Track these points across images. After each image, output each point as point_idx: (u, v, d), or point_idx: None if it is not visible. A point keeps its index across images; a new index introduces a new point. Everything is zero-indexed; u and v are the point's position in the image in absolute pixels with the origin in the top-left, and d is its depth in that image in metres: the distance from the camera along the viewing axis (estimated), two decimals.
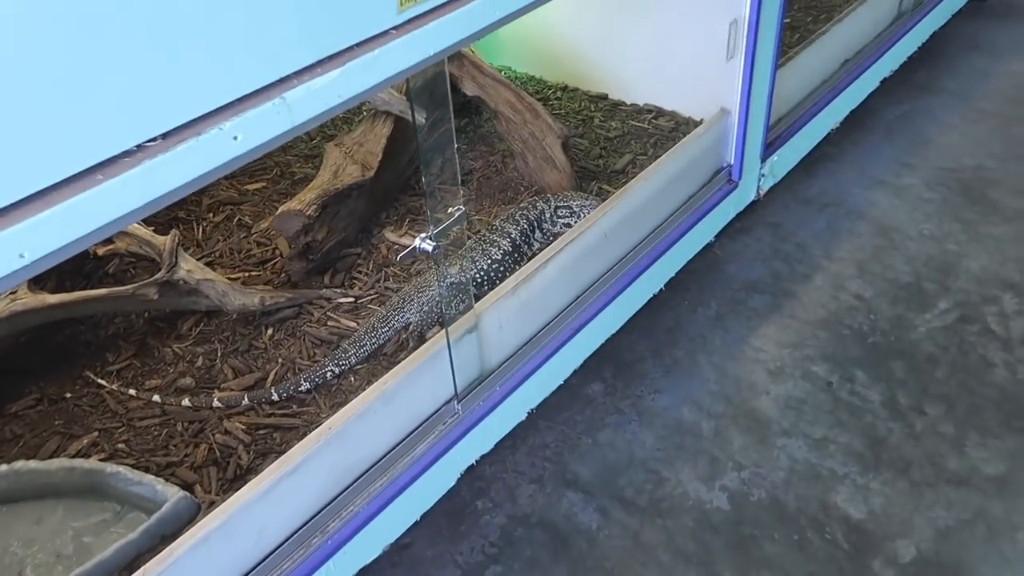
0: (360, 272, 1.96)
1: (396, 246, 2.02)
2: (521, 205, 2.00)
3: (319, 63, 1.16)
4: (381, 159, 1.99)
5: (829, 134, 2.81)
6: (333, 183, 1.88)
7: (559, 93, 2.54)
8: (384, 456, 1.61)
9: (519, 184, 2.18)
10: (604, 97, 2.50)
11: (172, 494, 1.43)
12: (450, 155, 1.49)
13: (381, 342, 1.78)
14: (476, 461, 1.83)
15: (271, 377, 1.75)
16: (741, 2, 2.02)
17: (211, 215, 2.08)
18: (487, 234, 1.94)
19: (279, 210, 1.81)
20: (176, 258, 1.69)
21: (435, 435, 1.69)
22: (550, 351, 1.88)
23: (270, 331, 1.83)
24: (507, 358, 1.81)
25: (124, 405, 1.69)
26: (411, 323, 1.82)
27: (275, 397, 1.69)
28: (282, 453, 1.58)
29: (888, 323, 2.27)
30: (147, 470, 1.54)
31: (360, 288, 1.92)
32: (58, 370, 1.76)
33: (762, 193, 2.49)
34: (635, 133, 2.34)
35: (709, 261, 2.49)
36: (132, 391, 1.71)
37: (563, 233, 2.00)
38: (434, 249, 1.47)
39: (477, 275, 1.88)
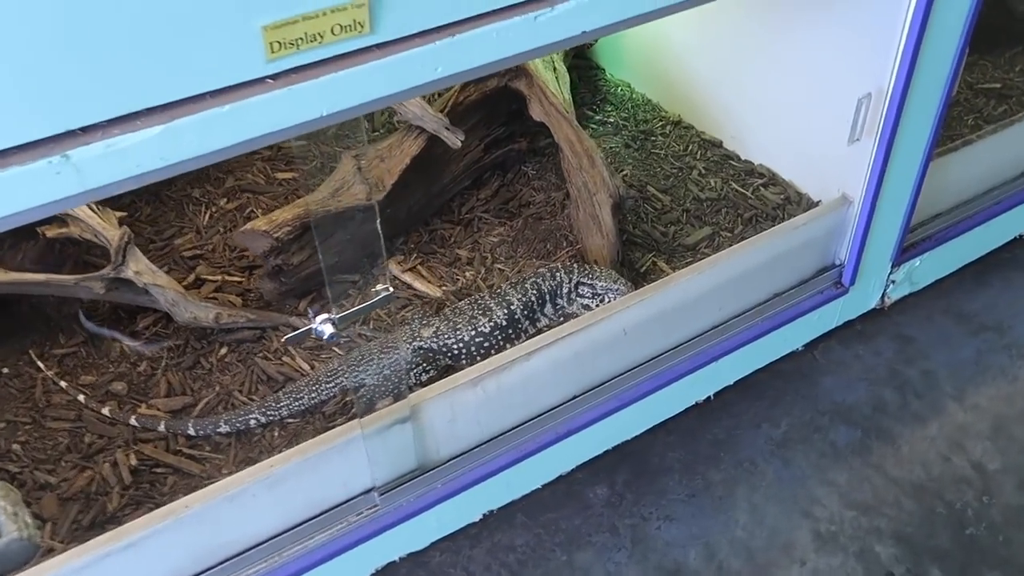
0: (346, 305, 1.71)
1: (397, 282, 1.76)
2: (539, 270, 1.66)
3: (136, 115, 0.90)
4: (398, 180, 1.71)
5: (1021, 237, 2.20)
6: (326, 203, 1.63)
7: (669, 128, 2.12)
8: (267, 541, 1.39)
9: (564, 237, 1.83)
10: (717, 144, 2.05)
11: (7, 532, 1.29)
12: (372, 222, 1.19)
13: (322, 399, 1.55)
14: (400, 558, 1.58)
15: (200, 406, 1.57)
16: (882, 73, 1.52)
17: (225, 200, 1.91)
18: (483, 298, 1.62)
19: (245, 226, 1.60)
20: (124, 257, 1.53)
21: (343, 526, 1.44)
22: (524, 453, 1.57)
23: (224, 350, 1.65)
24: (460, 453, 1.52)
25: (48, 397, 1.58)
26: (364, 385, 1.56)
27: (191, 432, 1.52)
28: (160, 506, 1.41)
29: (1003, 515, 1.73)
30: (22, 485, 1.42)
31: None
32: (11, 339, 1.68)
33: (888, 303, 1.97)
34: (732, 200, 1.90)
35: (803, 365, 2.02)
36: (63, 383, 1.59)
37: (578, 315, 1.65)
38: (332, 336, 1.20)
39: (455, 346, 1.58)
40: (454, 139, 1.70)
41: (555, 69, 1.88)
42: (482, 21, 1.05)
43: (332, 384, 1.54)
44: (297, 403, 1.53)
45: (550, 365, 1.52)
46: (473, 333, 1.57)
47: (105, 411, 1.55)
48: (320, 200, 1.64)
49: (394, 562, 1.57)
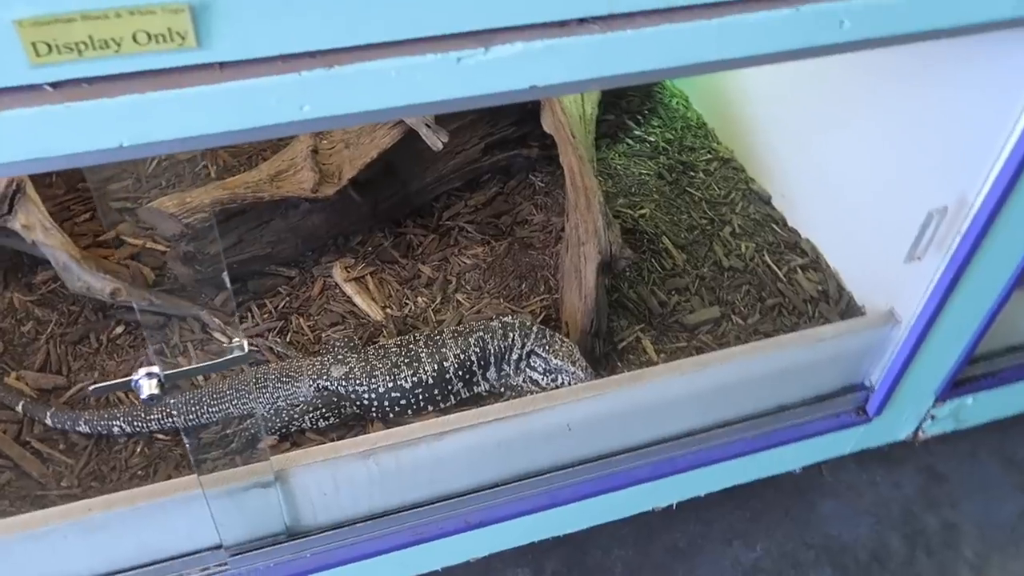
0: (269, 303, 1.47)
1: (335, 288, 1.50)
2: (491, 323, 1.37)
3: None
4: (358, 174, 1.43)
5: None
6: (260, 189, 1.37)
7: (716, 165, 1.77)
8: None
9: (545, 279, 1.52)
10: (765, 199, 1.70)
11: None
12: (219, 273, 0.92)
13: (200, 422, 1.31)
14: None
15: (72, 391, 1.36)
16: (969, 182, 1.16)
17: None
18: (415, 342, 1.34)
19: (151, 203, 1.35)
20: (11, 207, 1.30)
21: None
22: (424, 537, 1.32)
23: (119, 329, 1.43)
24: (343, 524, 1.27)
25: None
26: (254, 416, 1.32)
27: (49, 421, 1.31)
28: None
29: None
30: None
31: (246, 327, 1.43)
32: None
33: (922, 438, 1.62)
34: (759, 277, 1.56)
35: (803, 479, 1.70)
36: None
37: (523, 389, 1.36)
38: (151, 399, 0.94)
39: (367, 396, 1.31)
40: (435, 139, 1.41)
41: None
42: (376, 53, 0.75)
43: (215, 407, 1.30)
44: (170, 420, 1.30)
45: (465, 450, 1.24)
46: (391, 386, 1.30)
47: None
48: (254, 182, 1.37)
49: None
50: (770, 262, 1.57)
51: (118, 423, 1.30)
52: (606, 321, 1.42)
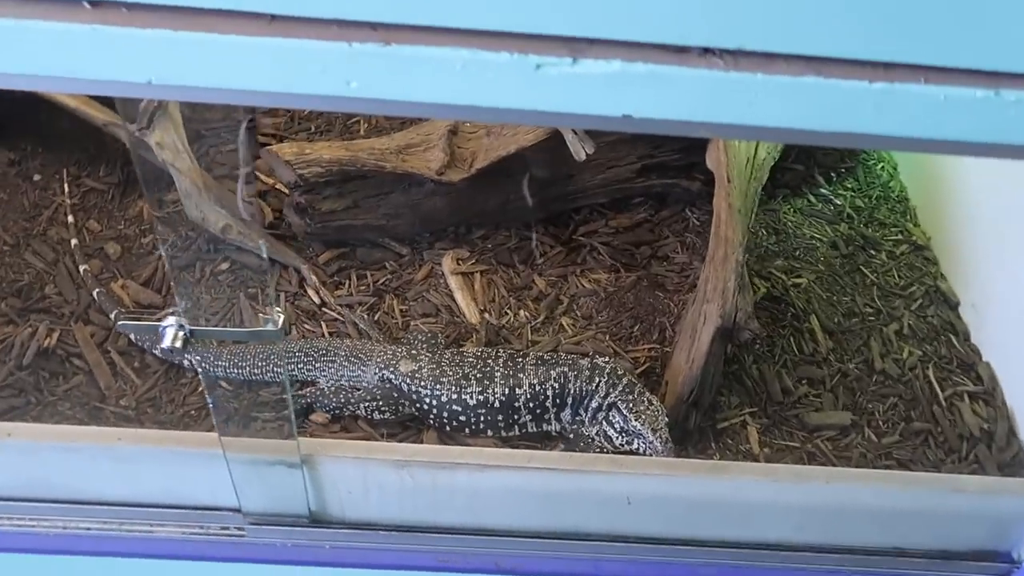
0: (371, 276, 1.41)
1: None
2: (579, 360, 1.22)
3: None
4: (490, 166, 1.33)
5: None
6: (384, 158, 1.30)
7: (904, 249, 1.51)
8: (108, 504, 1.18)
9: (662, 325, 1.36)
10: (952, 304, 1.43)
11: None
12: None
13: (263, 379, 1.27)
14: None
15: (162, 312, 1.37)
16: None
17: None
18: (495, 357, 1.23)
19: (277, 147, 1.31)
20: (150, 121, 1.31)
21: (199, 531, 1.20)
22: (452, 565, 1.23)
23: (225, 265, 1.42)
24: (369, 525, 1.20)
25: (48, 225, 1.46)
26: (317, 385, 1.26)
27: (133, 337, 1.32)
28: (41, 404, 1.25)
29: None
30: None
31: (339, 294, 1.38)
32: (59, 150, 1.56)
33: None
34: (914, 393, 1.31)
35: None
36: (71, 218, 1.46)
37: (592, 442, 1.22)
38: (167, 351, 0.89)
39: (427, 399, 1.21)
40: (578, 148, 1.28)
41: None
42: (441, 38, 0.63)
43: (281, 369, 1.26)
44: (236, 369, 1.26)
45: (508, 490, 1.13)
46: (454, 397, 1.20)
47: (83, 268, 1.39)
48: (380, 150, 1.31)
49: None
50: (933, 379, 1.31)
51: (192, 357, 1.28)
52: (712, 393, 1.24)
